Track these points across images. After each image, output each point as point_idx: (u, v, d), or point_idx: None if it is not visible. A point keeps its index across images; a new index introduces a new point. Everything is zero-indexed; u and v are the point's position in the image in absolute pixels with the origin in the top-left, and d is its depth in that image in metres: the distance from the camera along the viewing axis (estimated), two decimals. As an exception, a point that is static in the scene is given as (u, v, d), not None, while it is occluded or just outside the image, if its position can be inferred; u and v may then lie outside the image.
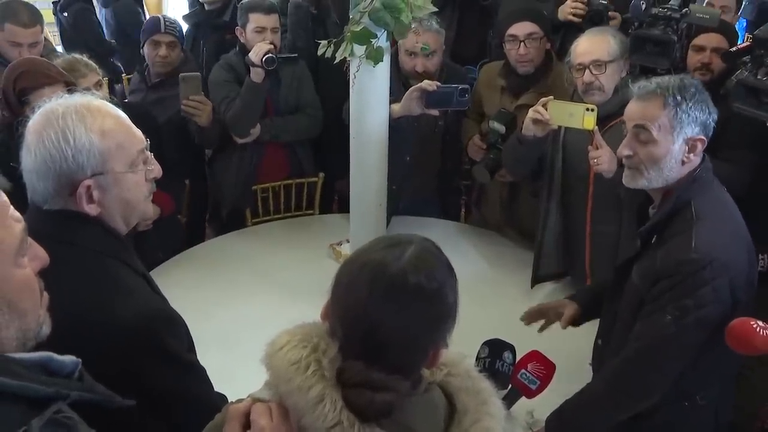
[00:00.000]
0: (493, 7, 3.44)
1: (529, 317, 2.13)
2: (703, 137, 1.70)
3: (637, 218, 1.90)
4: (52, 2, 4.72)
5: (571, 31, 2.88)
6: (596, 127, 2.28)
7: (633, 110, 1.76)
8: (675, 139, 1.69)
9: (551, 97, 2.42)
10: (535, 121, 2.41)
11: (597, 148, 2.26)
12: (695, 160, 1.73)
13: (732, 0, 3.64)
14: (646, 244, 1.80)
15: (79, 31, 4.52)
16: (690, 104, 1.68)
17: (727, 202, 1.76)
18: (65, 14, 4.53)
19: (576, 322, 2.07)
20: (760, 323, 1.39)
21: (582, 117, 2.29)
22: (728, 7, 3.58)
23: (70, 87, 2.20)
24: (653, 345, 1.67)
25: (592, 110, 2.29)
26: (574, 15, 2.99)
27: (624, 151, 1.78)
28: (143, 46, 3.29)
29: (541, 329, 2.12)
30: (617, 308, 1.87)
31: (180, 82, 2.98)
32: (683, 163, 1.71)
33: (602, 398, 1.77)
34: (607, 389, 1.76)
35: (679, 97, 1.68)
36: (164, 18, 3.30)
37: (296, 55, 3.17)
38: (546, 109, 2.38)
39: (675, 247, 1.66)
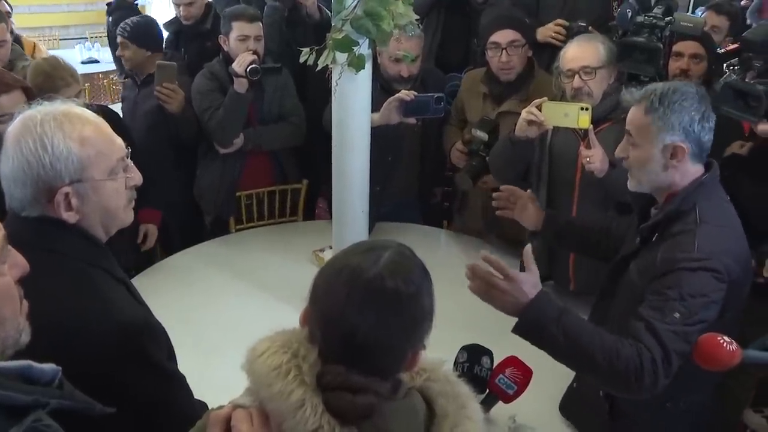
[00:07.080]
0: (477, 13, 3.45)
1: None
2: (683, 144, 1.68)
3: (638, 218, 1.89)
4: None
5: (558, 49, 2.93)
6: (591, 126, 2.30)
7: (628, 115, 1.80)
8: (655, 145, 1.70)
9: (545, 98, 2.42)
10: (530, 123, 2.40)
11: (589, 148, 2.28)
12: (687, 166, 1.71)
13: (723, 21, 3.74)
14: (646, 242, 1.79)
15: None
16: (667, 111, 1.68)
17: (731, 212, 1.75)
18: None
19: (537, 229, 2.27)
20: (726, 338, 1.40)
21: (577, 116, 2.32)
22: (719, 28, 3.68)
23: (29, 93, 2.17)
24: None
25: (587, 109, 2.31)
26: (554, 39, 3.07)
27: (618, 153, 1.82)
28: None
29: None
30: (608, 306, 1.87)
31: (156, 69, 3.06)
32: (667, 168, 1.71)
33: (595, 351, 1.57)
34: (605, 352, 1.57)
35: (657, 104, 1.69)
36: (126, 22, 3.39)
37: (280, 65, 3.18)
38: (540, 110, 2.38)
39: (677, 245, 1.65)
